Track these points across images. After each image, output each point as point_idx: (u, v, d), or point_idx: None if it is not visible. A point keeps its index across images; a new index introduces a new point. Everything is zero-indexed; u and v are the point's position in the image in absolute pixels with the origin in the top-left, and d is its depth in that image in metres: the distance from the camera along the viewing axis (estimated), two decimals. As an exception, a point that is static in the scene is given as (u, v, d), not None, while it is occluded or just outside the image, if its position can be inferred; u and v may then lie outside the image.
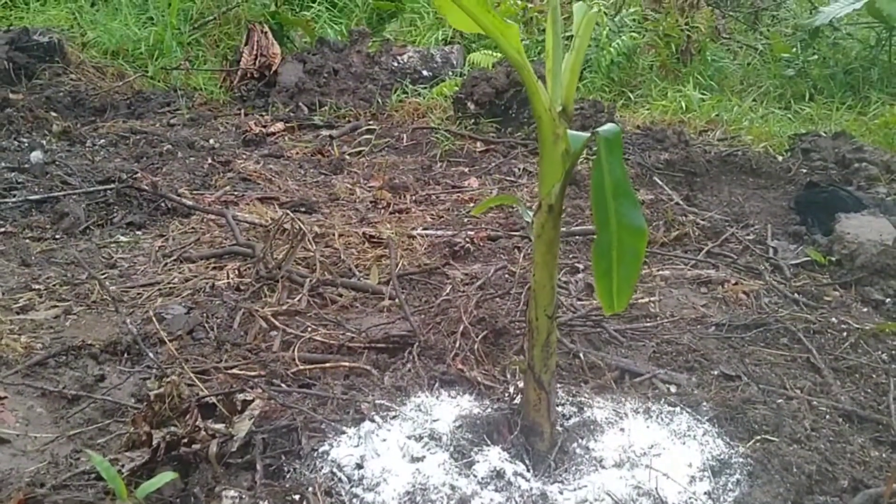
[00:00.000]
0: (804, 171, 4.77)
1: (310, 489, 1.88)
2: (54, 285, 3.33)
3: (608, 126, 1.75)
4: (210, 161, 4.93)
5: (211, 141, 5.38)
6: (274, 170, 4.91)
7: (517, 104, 5.57)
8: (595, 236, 1.73)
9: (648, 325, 3.03)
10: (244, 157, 5.11)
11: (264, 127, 5.64)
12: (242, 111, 6.20)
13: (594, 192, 1.72)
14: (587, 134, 1.80)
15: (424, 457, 2.01)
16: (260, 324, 2.99)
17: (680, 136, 5.14)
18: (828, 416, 2.40)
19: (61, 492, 1.96)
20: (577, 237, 3.88)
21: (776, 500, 1.97)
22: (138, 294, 3.30)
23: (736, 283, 3.39)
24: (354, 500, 1.87)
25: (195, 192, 4.47)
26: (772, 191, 4.64)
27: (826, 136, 5.18)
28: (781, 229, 4.05)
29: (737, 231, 3.97)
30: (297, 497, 1.91)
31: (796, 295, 3.29)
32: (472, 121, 5.58)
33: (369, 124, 5.81)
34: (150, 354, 2.72)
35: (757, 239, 3.92)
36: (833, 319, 3.06)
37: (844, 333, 2.95)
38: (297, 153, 5.28)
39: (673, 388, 2.53)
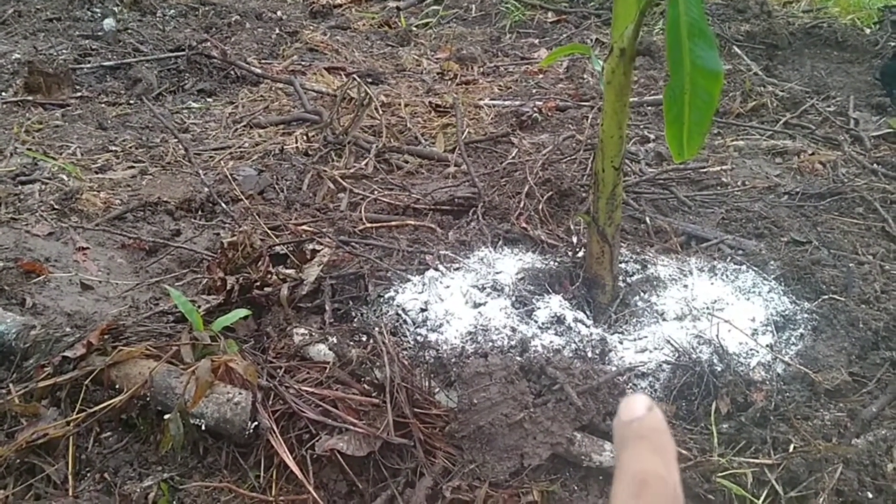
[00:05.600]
0: (892, 44, 4.50)
1: (376, 329, 1.94)
2: (130, 147, 3.43)
3: (686, -40, 1.66)
4: (277, 32, 4.92)
5: (278, 12, 5.36)
6: (340, 41, 4.87)
7: (591, -28, 5.35)
8: (667, 81, 1.66)
9: (719, 192, 2.96)
10: (311, 28, 5.08)
11: (331, -2, 5.57)
12: (309, -18, 6.12)
13: (669, 31, 1.63)
14: (663, -31, 1.71)
15: (486, 302, 2.04)
16: (328, 185, 3.03)
17: (762, 6, 4.88)
18: (900, 281, 2.34)
19: (143, 324, 2.07)
20: (648, 107, 3.78)
21: (840, 353, 1.95)
22: (210, 157, 3.38)
23: (813, 154, 3.27)
24: (419, 338, 1.93)
25: (263, 61, 4.49)
26: (857, 65, 4.41)
27: (920, 7, 4.87)
28: (864, 101, 3.87)
29: (817, 103, 3.80)
30: (364, 336, 1.97)
31: (875, 165, 3.17)
32: (544, -10, 5.40)
33: (437, -5, 5.68)
34: (224, 206, 2.80)
35: (838, 111, 3.76)
36: (913, 190, 2.95)
37: (924, 204, 2.85)
38: (364, 25, 5.22)
39: (740, 253, 2.49)
